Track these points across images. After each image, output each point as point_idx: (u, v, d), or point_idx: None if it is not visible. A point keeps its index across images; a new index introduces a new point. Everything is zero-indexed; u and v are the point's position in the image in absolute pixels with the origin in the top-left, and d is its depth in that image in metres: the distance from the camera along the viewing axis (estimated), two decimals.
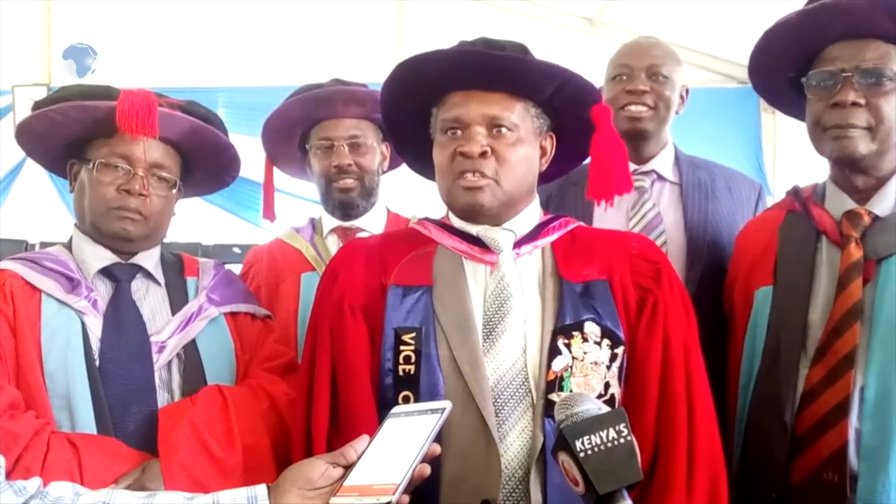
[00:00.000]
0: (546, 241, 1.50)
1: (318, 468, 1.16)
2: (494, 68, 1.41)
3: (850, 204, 1.59)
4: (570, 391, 1.34)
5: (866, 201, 1.59)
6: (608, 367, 1.38)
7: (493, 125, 1.42)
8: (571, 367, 1.36)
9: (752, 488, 1.57)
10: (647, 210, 2.02)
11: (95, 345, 1.55)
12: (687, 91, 2.15)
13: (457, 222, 1.51)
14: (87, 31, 5.78)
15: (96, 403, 1.50)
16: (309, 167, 2.17)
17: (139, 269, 1.67)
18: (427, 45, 1.47)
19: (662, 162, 2.09)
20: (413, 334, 1.40)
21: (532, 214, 1.52)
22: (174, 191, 1.68)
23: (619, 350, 1.39)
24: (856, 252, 1.54)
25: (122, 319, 1.59)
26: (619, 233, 1.63)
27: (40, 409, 1.47)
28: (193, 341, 1.64)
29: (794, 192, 1.73)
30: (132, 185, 1.60)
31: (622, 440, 1.09)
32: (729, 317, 1.78)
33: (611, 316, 1.41)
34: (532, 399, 1.36)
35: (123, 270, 1.65)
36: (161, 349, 1.59)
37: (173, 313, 1.66)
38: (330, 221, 2.16)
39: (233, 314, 1.73)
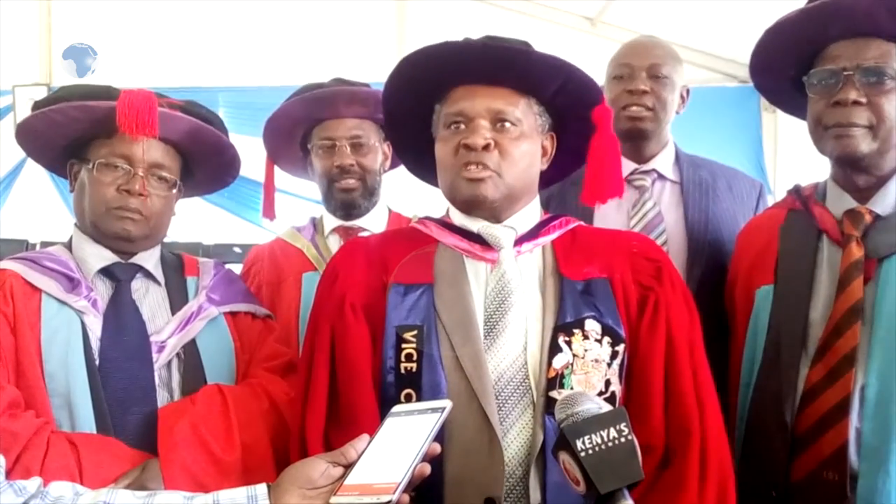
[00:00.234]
0: (546, 239, 1.50)
1: (318, 467, 1.16)
2: (499, 61, 1.42)
3: (852, 203, 1.59)
4: (571, 388, 1.34)
5: (867, 200, 1.58)
6: (609, 365, 1.38)
7: (497, 119, 1.43)
8: (572, 364, 1.36)
9: (752, 487, 1.56)
10: (648, 209, 2.03)
11: (95, 344, 1.55)
12: (688, 91, 2.15)
13: (457, 220, 1.51)
14: (87, 31, 5.78)
15: (96, 403, 1.50)
16: (310, 167, 2.17)
17: (139, 268, 1.67)
18: (428, 44, 1.47)
19: (663, 161, 2.09)
20: (414, 332, 1.40)
21: (533, 213, 1.52)
22: (174, 191, 1.68)
23: (620, 348, 1.39)
24: (857, 251, 1.53)
25: (122, 319, 1.59)
26: (620, 232, 1.63)
27: (40, 408, 1.47)
28: (193, 341, 1.64)
29: (795, 191, 1.73)
30: (132, 185, 1.60)
31: (623, 439, 1.08)
32: (730, 316, 1.78)
33: (611, 314, 1.41)
34: (532, 396, 1.36)
35: (123, 270, 1.65)
36: (161, 349, 1.59)
37: (173, 313, 1.66)
38: (331, 221, 2.16)
39: (233, 314, 1.73)
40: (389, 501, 1.07)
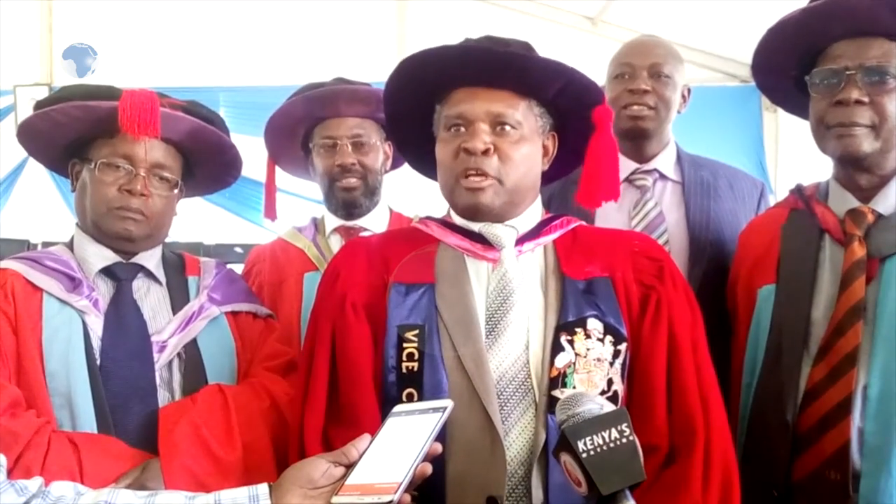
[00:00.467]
0: (548, 238, 1.50)
1: (319, 467, 1.16)
2: (499, 65, 1.41)
3: (854, 202, 1.59)
4: (573, 388, 1.34)
5: (870, 200, 1.58)
6: (611, 364, 1.38)
7: (497, 122, 1.42)
8: (574, 363, 1.36)
9: (754, 486, 1.56)
10: (650, 209, 2.02)
11: (96, 344, 1.55)
12: (689, 90, 2.15)
13: (459, 220, 1.51)
14: (87, 31, 5.78)
15: (97, 402, 1.50)
16: (312, 166, 2.17)
17: (140, 268, 1.67)
18: (428, 44, 1.47)
19: (664, 161, 2.09)
20: (416, 332, 1.40)
21: (534, 213, 1.52)
22: (176, 191, 1.68)
23: (622, 347, 1.39)
24: (859, 250, 1.53)
25: (123, 319, 1.59)
26: (621, 231, 1.63)
27: (41, 408, 1.47)
28: (194, 340, 1.64)
29: (798, 191, 1.73)
30: (134, 186, 1.60)
31: (624, 440, 1.08)
32: (732, 315, 1.78)
33: (613, 313, 1.41)
34: (534, 396, 1.36)
35: (125, 270, 1.65)
36: (162, 348, 1.59)
37: (174, 312, 1.66)
38: (332, 221, 2.16)
39: (234, 313, 1.72)
40: (391, 501, 1.07)
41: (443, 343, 1.39)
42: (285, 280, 2.09)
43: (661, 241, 1.94)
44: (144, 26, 5.79)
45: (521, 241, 1.48)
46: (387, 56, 5.46)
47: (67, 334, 1.53)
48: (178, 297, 1.69)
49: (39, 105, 1.64)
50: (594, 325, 1.39)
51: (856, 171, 1.58)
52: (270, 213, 2.25)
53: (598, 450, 1.07)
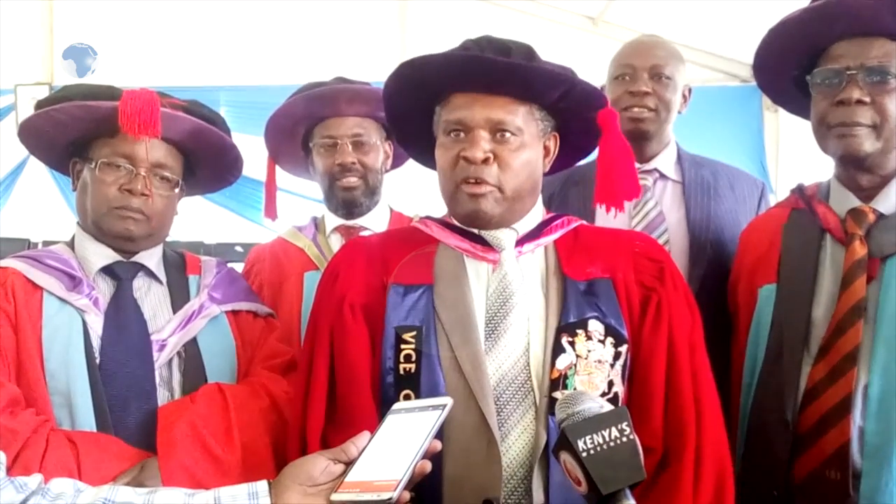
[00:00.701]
0: (548, 239, 1.49)
1: (319, 464, 1.16)
2: (500, 74, 1.40)
3: (855, 202, 1.59)
4: (574, 389, 1.33)
5: (871, 199, 1.58)
6: (612, 366, 1.37)
7: (497, 129, 1.41)
8: (575, 365, 1.36)
9: (754, 486, 1.56)
10: (650, 209, 2.02)
11: (96, 343, 1.55)
12: (689, 90, 2.14)
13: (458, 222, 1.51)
14: (88, 31, 5.78)
15: (96, 401, 1.50)
16: (312, 166, 2.17)
17: (141, 267, 1.67)
18: (429, 43, 1.47)
19: (665, 161, 2.09)
20: (414, 333, 1.39)
21: (535, 214, 1.51)
22: (176, 190, 1.68)
23: (623, 348, 1.39)
24: (860, 250, 1.53)
25: (124, 317, 1.59)
26: (622, 231, 1.62)
27: (40, 406, 1.47)
28: (194, 339, 1.64)
29: (799, 190, 1.73)
30: (134, 185, 1.60)
31: (625, 439, 1.08)
32: (732, 315, 1.78)
33: (614, 314, 1.41)
34: (535, 398, 1.35)
35: (125, 269, 1.65)
36: (162, 347, 1.59)
37: (175, 311, 1.66)
38: (333, 220, 2.16)
39: (234, 312, 1.73)
40: (390, 499, 1.07)
41: (440, 344, 1.38)
42: (285, 279, 2.09)
43: (661, 241, 1.94)
44: (144, 26, 5.79)
45: (521, 241, 1.47)
46: (388, 56, 5.46)
47: (67, 333, 1.53)
48: (179, 296, 1.69)
49: (40, 104, 1.64)
50: (595, 326, 1.38)
51: (857, 170, 1.58)
52: (271, 212, 2.25)
53: (599, 449, 1.07)
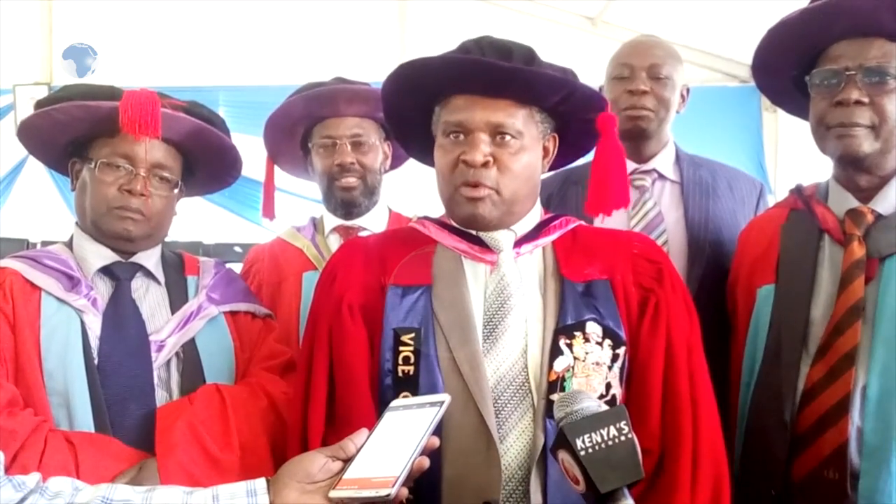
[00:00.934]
0: (547, 240, 1.49)
1: (317, 462, 1.16)
2: (500, 77, 1.39)
3: (854, 202, 1.59)
4: (573, 389, 1.33)
5: (869, 200, 1.58)
6: (610, 368, 1.37)
7: (497, 132, 1.40)
8: (573, 367, 1.35)
9: (752, 486, 1.57)
10: (649, 209, 2.02)
11: (94, 343, 1.55)
12: (688, 90, 2.15)
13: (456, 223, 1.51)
14: (87, 31, 5.78)
15: (94, 402, 1.50)
16: (311, 166, 2.17)
17: (139, 267, 1.67)
18: (429, 43, 1.47)
19: (663, 161, 2.09)
20: (412, 335, 1.39)
21: (533, 215, 1.51)
22: (175, 191, 1.68)
23: (621, 350, 1.39)
24: (858, 250, 1.54)
25: (122, 318, 1.59)
26: (621, 232, 1.62)
27: (38, 406, 1.47)
28: (193, 340, 1.64)
29: (797, 191, 1.73)
30: (134, 185, 1.60)
31: (623, 438, 1.08)
32: (731, 315, 1.78)
33: (612, 316, 1.40)
34: (533, 400, 1.35)
35: (124, 269, 1.65)
36: (160, 348, 1.59)
37: (173, 312, 1.66)
38: (331, 220, 2.16)
39: (232, 313, 1.73)
40: (388, 495, 1.07)
41: (439, 346, 1.38)
42: (284, 279, 2.09)
43: (659, 242, 1.94)
44: (144, 26, 5.78)
45: (519, 243, 1.47)
46: (388, 56, 5.46)
47: (65, 333, 1.53)
48: (177, 297, 1.69)
49: (40, 104, 1.64)
50: (593, 328, 1.38)
51: (856, 171, 1.58)
52: (269, 212, 2.25)
53: (597, 447, 1.07)
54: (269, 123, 2.15)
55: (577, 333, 1.37)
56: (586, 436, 1.07)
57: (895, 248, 1.51)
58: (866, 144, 1.53)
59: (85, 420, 1.49)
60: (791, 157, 5.31)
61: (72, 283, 1.59)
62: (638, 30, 3.26)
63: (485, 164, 1.39)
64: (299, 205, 3.89)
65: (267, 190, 2.25)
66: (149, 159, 1.61)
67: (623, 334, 1.40)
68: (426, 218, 1.58)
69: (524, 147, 1.42)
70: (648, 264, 1.47)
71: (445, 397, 1.19)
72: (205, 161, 1.75)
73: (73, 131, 1.63)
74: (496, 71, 1.38)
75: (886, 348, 1.46)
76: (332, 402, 1.42)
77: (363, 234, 2.08)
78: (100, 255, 1.64)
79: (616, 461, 1.07)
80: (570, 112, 1.47)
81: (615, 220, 1.97)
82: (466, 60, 1.41)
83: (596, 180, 1.51)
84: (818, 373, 1.51)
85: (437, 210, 1.58)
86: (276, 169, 2.27)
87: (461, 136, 1.41)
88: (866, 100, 1.51)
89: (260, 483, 1.16)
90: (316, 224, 2.21)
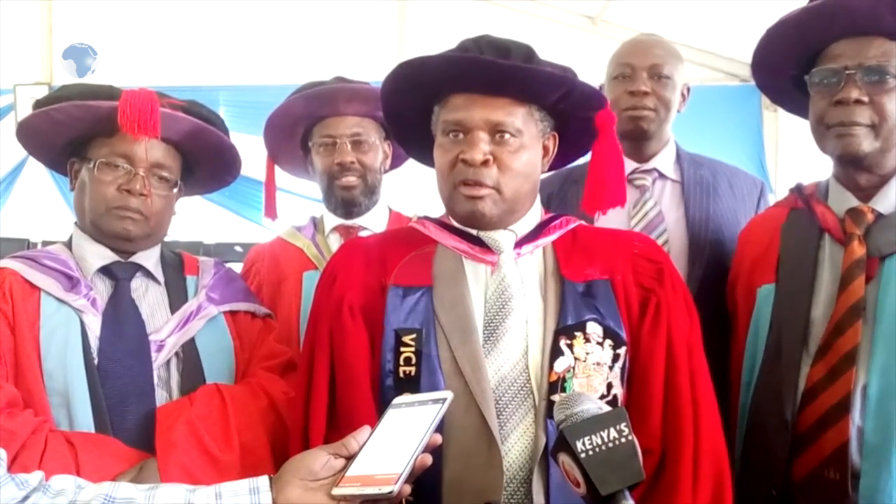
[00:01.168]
0: (547, 240, 1.49)
1: (319, 459, 1.16)
2: (499, 76, 1.39)
3: (854, 201, 1.59)
4: (573, 391, 1.33)
5: (869, 199, 1.58)
6: (610, 368, 1.37)
7: (496, 131, 1.40)
8: (574, 367, 1.35)
9: (753, 486, 1.56)
10: (649, 208, 2.02)
11: (94, 343, 1.55)
12: (688, 89, 2.14)
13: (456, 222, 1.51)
14: (87, 31, 5.78)
15: (94, 402, 1.50)
16: (311, 165, 2.17)
17: (139, 267, 1.67)
18: (428, 43, 1.46)
19: (664, 160, 2.09)
20: (413, 335, 1.39)
21: (533, 215, 1.51)
22: (175, 190, 1.68)
23: (622, 350, 1.38)
24: (859, 250, 1.53)
25: (121, 318, 1.59)
26: (621, 232, 1.62)
27: (38, 407, 1.47)
28: (192, 340, 1.64)
29: (798, 190, 1.73)
30: (133, 185, 1.60)
31: (623, 440, 1.08)
32: (731, 315, 1.78)
33: (613, 316, 1.40)
34: (534, 400, 1.35)
35: (123, 269, 1.65)
36: (160, 348, 1.59)
37: (172, 312, 1.66)
38: (332, 220, 2.16)
39: (232, 313, 1.72)
40: (391, 492, 1.07)
41: (440, 347, 1.38)
42: (284, 279, 2.09)
43: (660, 241, 1.94)
44: (144, 26, 5.78)
45: (519, 243, 1.46)
46: (387, 56, 5.46)
47: (65, 333, 1.53)
48: (177, 297, 1.69)
49: (39, 104, 1.64)
50: (594, 328, 1.38)
51: (855, 170, 1.58)
52: (270, 212, 2.25)
53: (597, 449, 1.06)
54: (268, 123, 2.15)
55: (578, 334, 1.37)
56: (586, 438, 1.07)
57: (895, 248, 1.51)
58: (866, 143, 1.53)
59: (85, 420, 1.49)
60: (792, 156, 5.30)
61: (71, 283, 1.59)
62: (638, 29, 3.26)
63: (484, 163, 1.38)
64: (300, 204, 3.88)
65: (268, 190, 2.24)
66: (148, 159, 1.61)
67: (624, 334, 1.40)
68: (426, 218, 1.58)
69: (524, 145, 1.42)
70: (649, 264, 1.47)
71: (448, 394, 1.19)
72: (204, 160, 1.74)
73: (72, 131, 1.63)
74: (495, 69, 1.38)
75: (887, 348, 1.46)
76: (333, 403, 1.42)
77: (363, 233, 2.08)
78: (99, 255, 1.64)
79: (617, 463, 1.06)
80: (570, 110, 1.47)
81: (615, 220, 1.97)
82: (465, 59, 1.40)
83: (593, 178, 1.51)
84: (819, 372, 1.51)
85: (438, 210, 1.58)
86: (277, 168, 2.26)
87: (460, 135, 1.41)
88: (866, 99, 1.51)
89: (263, 480, 1.16)
90: (316, 223, 2.21)
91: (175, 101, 1.66)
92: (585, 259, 1.46)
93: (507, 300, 1.41)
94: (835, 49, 1.56)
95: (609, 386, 1.36)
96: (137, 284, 1.66)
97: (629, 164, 2.05)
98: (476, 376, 1.34)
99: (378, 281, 1.46)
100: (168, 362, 1.61)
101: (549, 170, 1.58)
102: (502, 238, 1.45)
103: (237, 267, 2.12)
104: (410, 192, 2.84)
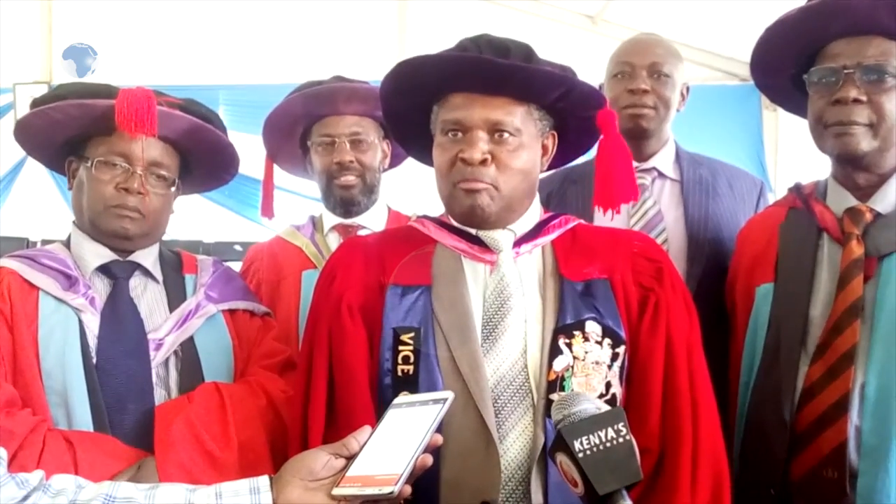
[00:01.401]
0: (546, 239, 1.49)
1: (320, 459, 1.16)
2: (498, 75, 1.39)
3: (852, 201, 1.59)
4: (571, 391, 1.33)
5: (868, 198, 1.58)
6: (609, 367, 1.37)
7: (495, 130, 1.40)
8: (572, 366, 1.35)
9: (751, 485, 1.56)
10: (648, 208, 2.02)
11: (93, 342, 1.55)
12: (688, 89, 2.14)
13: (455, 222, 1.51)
14: (87, 31, 5.78)
15: (93, 401, 1.50)
16: (310, 164, 2.17)
17: (137, 266, 1.67)
18: (428, 42, 1.46)
19: (663, 159, 2.09)
20: (412, 334, 1.39)
21: (532, 214, 1.51)
22: (172, 189, 1.68)
23: (621, 349, 1.38)
24: (857, 249, 1.53)
25: (120, 317, 1.59)
26: (621, 231, 1.62)
27: (37, 406, 1.47)
28: (191, 338, 1.64)
29: (796, 189, 1.73)
30: (131, 184, 1.60)
31: (621, 439, 1.08)
32: (730, 314, 1.78)
33: (612, 315, 1.40)
34: (533, 399, 1.35)
35: (121, 268, 1.65)
36: (158, 346, 1.59)
37: (171, 311, 1.66)
38: (330, 219, 2.16)
39: (231, 311, 1.72)
40: (392, 492, 1.07)
41: (438, 345, 1.38)
42: (283, 278, 2.09)
43: (659, 240, 1.93)
44: (144, 26, 5.78)
45: (518, 242, 1.46)
46: (387, 55, 5.45)
47: (63, 332, 1.53)
48: (175, 295, 1.69)
49: (36, 103, 1.64)
50: (592, 327, 1.38)
51: (854, 169, 1.58)
52: (268, 211, 2.25)
53: (595, 449, 1.06)
54: (267, 122, 2.15)
55: (577, 333, 1.37)
56: (584, 438, 1.07)
57: (894, 247, 1.51)
58: (864, 143, 1.53)
59: (83, 419, 1.49)
60: (791, 155, 5.30)
61: (69, 282, 1.59)
62: (638, 28, 3.26)
63: (483, 162, 1.38)
64: (299, 203, 3.88)
65: (266, 189, 2.25)
66: (145, 157, 1.61)
67: (623, 333, 1.40)
68: (426, 217, 1.58)
69: (523, 144, 1.42)
70: (648, 263, 1.47)
71: (449, 394, 1.19)
72: (202, 159, 1.74)
73: (70, 130, 1.62)
74: (494, 68, 1.38)
75: (885, 347, 1.46)
76: (332, 402, 1.42)
77: (362, 232, 2.08)
78: (97, 254, 1.64)
79: (614, 463, 1.06)
80: (569, 109, 1.47)
81: (615, 220, 1.96)
82: (464, 58, 1.40)
83: (601, 176, 1.51)
84: (817, 372, 1.51)
85: (437, 209, 1.58)
86: (276, 167, 2.26)
87: (459, 134, 1.41)
88: (864, 98, 1.51)
89: (263, 480, 1.16)
90: (315, 223, 2.21)
91: (172, 100, 1.66)
92: (584, 258, 1.46)
93: (505, 299, 1.41)
94: (833, 48, 1.56)
95: (608, 385, 1.36)
96: (136, 283, 1.66)
97: None
98: (474, 375, 1.34)
99: (377, 280, 1.46)
100: (167, 361, 1.61)
101: (549, 169, 1.58)
102: (501, 237, 1.45)
103: (236, 266, 2.12)
104: (409, 191, 2.84)
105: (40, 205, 5.57)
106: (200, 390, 1.57)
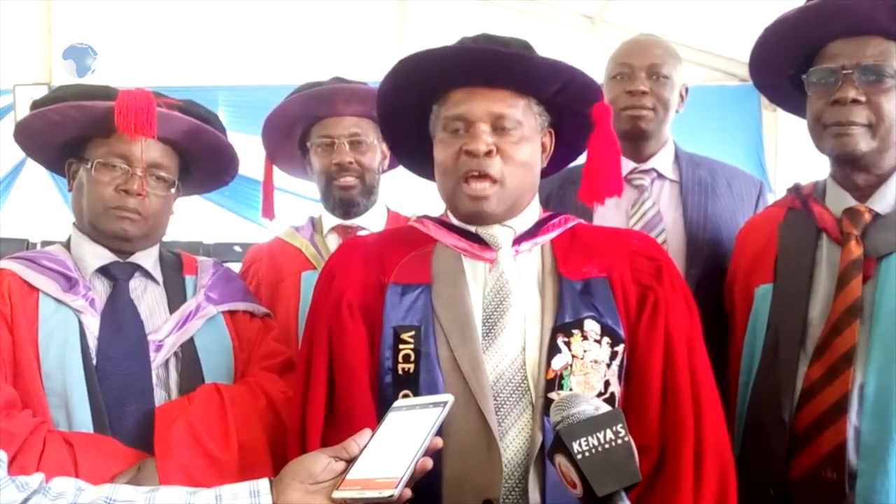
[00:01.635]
0: (546, 238, 1.49)
1: (320, 462, 1.16)
2: (499, 65, 1.40)
3: (851, 201, 1.59)
4: (570, 390, 1.33)
5: (867, 199, 1.58)
6: (608, 366, 1.37)
7: (498, 123, 1.41)
8: (571, 365, 1.35)
9: (751, 485, 1.56)
10: (647, 208, 2.02)
11: (93, 343, 1.55)
12: (687, 89, 2.14)
13: (456, 220, 1.51)
14: (87, 31, 5.78)
15: (93, 402, 1.50)
16: (309, 165, 2.17)
17: (137, 267, 1.67)
18: (428, 43, 1.46)
19: (662, 160, 2.09)
20: (412, 333, 1.39)
21: (532, 212, 1.51)
22: (172, 190, 1.68)
23: (620, 348, 1.38)
24: (856, 249, 1.53)
25: (120, 318, 1.59)
26: (620, 230, 1.62)
27: (37, 407, 1.47)
28: (191, 340, 1.64)
29: (795, 190, 1.73)
30: (130, 185, 1.60)
31: (620, 441, 1.08)
32: (729, 315, 1.78)
33: (611, 314, 1.40)
34: (531, 398, 1.35)
35: (121, 269, 1.65)
36: (158, 348, 1.59)
37: (171, 312, 1.66)
38: (330, 220, 2.16)
39: (231, 313, 1.73)
40: (392, 496, 1.07)
41: (439, 344, 1.38)
42: (283, 279, 2.09)
43: (658, 241, 1.93)
44: (144, 26, 5.78)
45: (518, 240, 1.47)
46: (387, 56, 5.44)
47: (64, 334, 1.53)
48: (175, 297, 1.69)
49: (36, 105, 1.64)
50: (591, 326, 1.38)
51: (853, 170, 1.58)
52: (268, 212, 2.25)
53: (593, 451, 1.07)
54: (267, 123, 2.16)
55: (576, 331, 1.37)
56: (583, 439, 1.07)
57: (893, 248, 1.51)
58: (863, 143, 1.53)
59: (83, 420, 1.49)
60: (791, 155, 5.30)
61: (69, 283, 1.59)
62: (637, 29, 3.26)
63: (488, 154, 1.39)
64: (298, 204, 3.88)
65: (266, 190, 2.25)
66: (145, 159, 1.61)
67: (621, 332, 1.40)
68: (426, 217, 1.58)
69: (525, 137, 1.43)
70: (647, 261, 1.47)
71: (449, 398, 1.19)
72: (201, 160, 1.75)
73: (69, 131, 1.63)
74: (496, 58, 1.39)
75: (884, 348, 1.46)
76: (332, 402, 1.42)
77: (362, 233, 2.08)
78: (97, 256, 1.64)
79: (613, 464, 1.07)
80: (567, 103, 1.48)
81: (614, 219, 1.98)
82: (467, 49, 1.42)
83: (590, 168, 1.51)
84: (816, 372, 1.51)
85: (437, 209, 1.58)
86: (276, 168, 2.27)
87: (462, 129, 1.42)
88: (863, 98, 1.51)
89: (263, 483, 1.16)
90: (314, 223, 2.21)
91: (172, 101, 1.67)
92: (584, 257, 1.46)
93: (505, 296, 1.41)
94: (832, 48, 1.56)
95: (607, 384, 1.36)
96: (136, 284, 1.66)
97: (627, 164, 2.05)
98: (475, 374, 1.34)
99: (377, 279, 1.46)
100: (167, 362, 1.61)
101: (546, 175, 1.58)
102: (501, 234, 1.46)
103: (236, 267, 2.12)
104: (409, 191, 2.83)
105: (40, 206, 5.57)
106: (200, 391, 1.58)
